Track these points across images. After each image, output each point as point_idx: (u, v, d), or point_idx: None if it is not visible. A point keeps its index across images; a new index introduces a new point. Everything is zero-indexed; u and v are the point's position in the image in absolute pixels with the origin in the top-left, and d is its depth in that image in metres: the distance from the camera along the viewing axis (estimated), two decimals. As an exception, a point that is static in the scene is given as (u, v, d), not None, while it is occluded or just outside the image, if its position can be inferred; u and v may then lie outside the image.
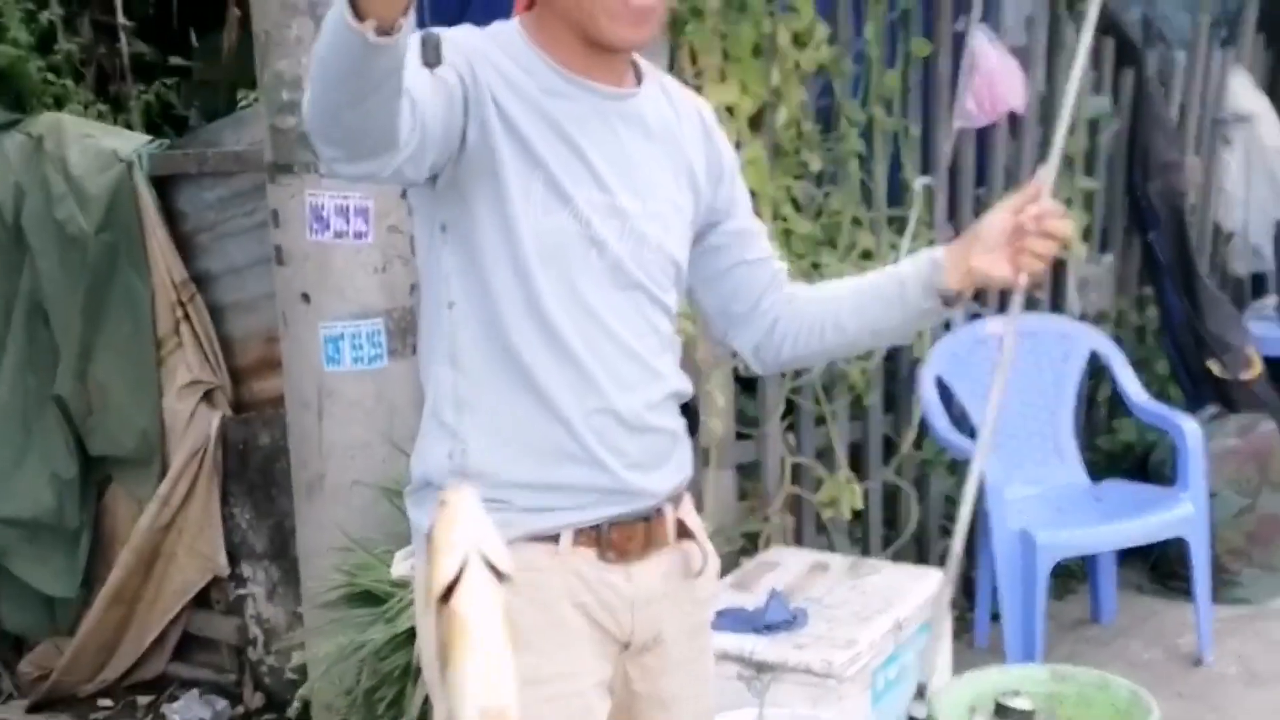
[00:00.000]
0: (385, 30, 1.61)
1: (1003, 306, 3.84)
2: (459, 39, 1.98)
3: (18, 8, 5.51)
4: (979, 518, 4.39)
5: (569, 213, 2.02)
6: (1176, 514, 4.55)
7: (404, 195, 3.33)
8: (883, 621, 3.68)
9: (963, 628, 4.81)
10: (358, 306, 3.79)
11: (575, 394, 2.05)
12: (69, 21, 5.89)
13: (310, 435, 3.90)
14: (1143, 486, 4.92)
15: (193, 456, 4.50)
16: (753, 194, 3.98)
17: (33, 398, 4.71)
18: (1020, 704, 3.10)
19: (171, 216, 4.58)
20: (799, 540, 4.58)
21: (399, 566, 3.21)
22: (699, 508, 3.88)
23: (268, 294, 4.08)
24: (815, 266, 4.37)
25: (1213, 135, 6.11)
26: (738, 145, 4.09)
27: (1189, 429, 4.64)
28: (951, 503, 4.99)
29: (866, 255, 4.51)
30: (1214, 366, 5.45)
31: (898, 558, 4.75)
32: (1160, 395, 5.45)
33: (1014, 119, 5.07)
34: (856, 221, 4.56)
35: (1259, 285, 6.42)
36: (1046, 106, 5.14)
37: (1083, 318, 5.35)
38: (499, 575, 1.49)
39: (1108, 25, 5.48)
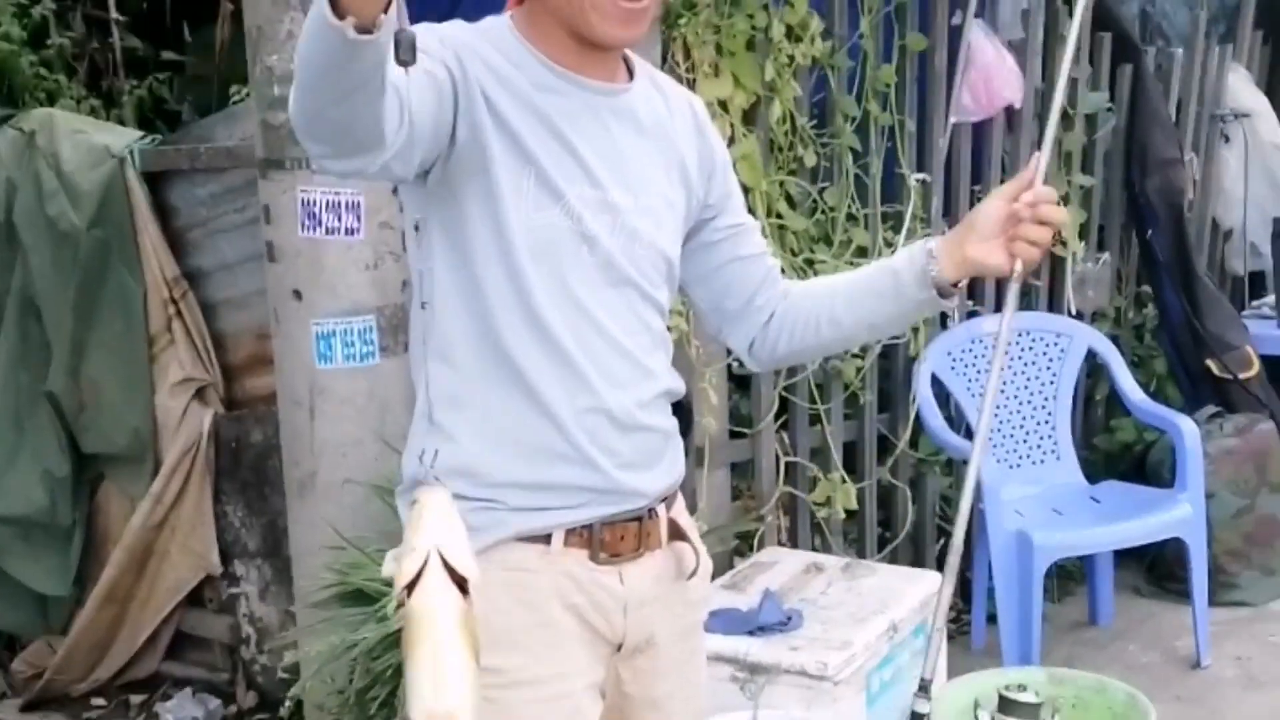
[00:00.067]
0: (365, 28, 1.59)
1: (999, 305, 3.83)
2: (449, 34, 1.97)
3: (9, 3, 5.49)
4: (975, 518, 4.37)
5: (560, 209, 2.01)
6: (1174, 515, 4.53)
7: (395, 191, 3.32)
8: (878, 623, 3.67)
9: (959, 629, 4.79)
10: (349, 303, 3.77)
11: (566, 392, 2.04)
12: (61, 16, 5.88)
13: (302, 433, 3.87)
14: (1140, 487, 4.91)
15: (185, 454, 4.48)
16: (746, 190, 4.00)
17: (24, 395, 4.69)
18: (1025, 698, 3.08)
19: (163, 212, 4.57)
20: (793, 541, 4.56)
21: (390, 565, 3.19)
22: (692, 507, 3.88)
23: (259, 290, 4.06)
24: (810, 263, 4.36)
25: (1211, 132, 6.10)
26: (731, 140, 4.08)
27: (1187, 429, 4.63)
28: (947, 502, 5.00)
29: (861, 251, 4.50)
30: (1212, 365, 5.44)
31: (893, 558, 4.74)
32: (1158, 394, 5.44)
33: (1010, 114, 5.06)
34: (851, 217, 4.54)
35: (1257, 284, 6.40)
36: (1043, 101, 5.12)
37: (1080, 316, 5.33)
38: (461, 581, 1.47)
39: (1106, 21, 5.46)
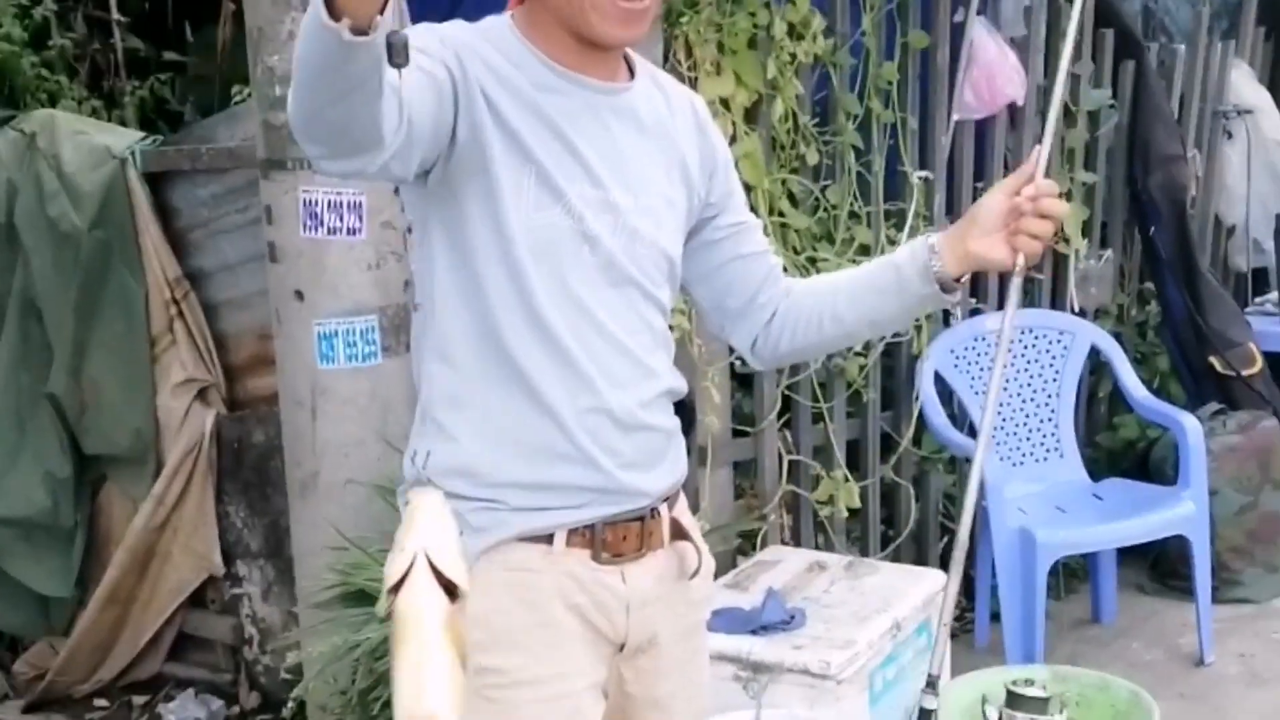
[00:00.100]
0: (361, 29, 1.58)
1: (1002, 303, 3.82)
2: (449, 34, 1.98)
3: (11, 3, 5.48)
4: (978, 516, 4.37)
5: (561, 208, 2.01)
6: (1177, 512, 4.52)
7: (396, 191, 3.32)
8: (881, 622, 3.66)
9: (962, 628, 4.79)
10: (351, 303, 3.76)
11: (568, 392, 2.04)
12: (62, 17, 5.88)
13: (304, 433, 3.87)
14: (1143, 485, 4.90)
15: (187, 455, 4.48)
16: (749, 188, 4.00)
17: (26, 396, 4.68)
18: (1034, 692, 3.07)
19: (165, 213, 4.56)
20: (796, 539, 4.55)
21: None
22: (695, 506, 3.88)
23: (261, 291, 4.06)
24: (812, 261, 4.35)
25: (1214, 128, 6.09)
26: (733, 139, 4.08)
27: (1190, 426, 4.62)
28: (951, 500, 4.99)
29: (864, 250, 4.49)
30: (1215, 362, 5.42)
31: (896, 556, 4.73)
32: (1161, 391, 5.44)
33: (1013, 111, 5.05)
34: (854, 215, 4.53)
35: (1260, 280, 6.39)
36: (1046, 98, 5.11)
37: (1083, 313, 5.32)
38: (449, 586, 1.47)
39: (1108, 18, 5.45)
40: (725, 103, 4.09)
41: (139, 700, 4.73)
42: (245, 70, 3.95)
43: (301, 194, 3.70)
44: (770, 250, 2.37)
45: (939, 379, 4.71)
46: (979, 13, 4.76)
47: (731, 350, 3.61)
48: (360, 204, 3.72)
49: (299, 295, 3.77)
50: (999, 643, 4.44)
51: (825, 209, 4.48)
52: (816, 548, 4.53)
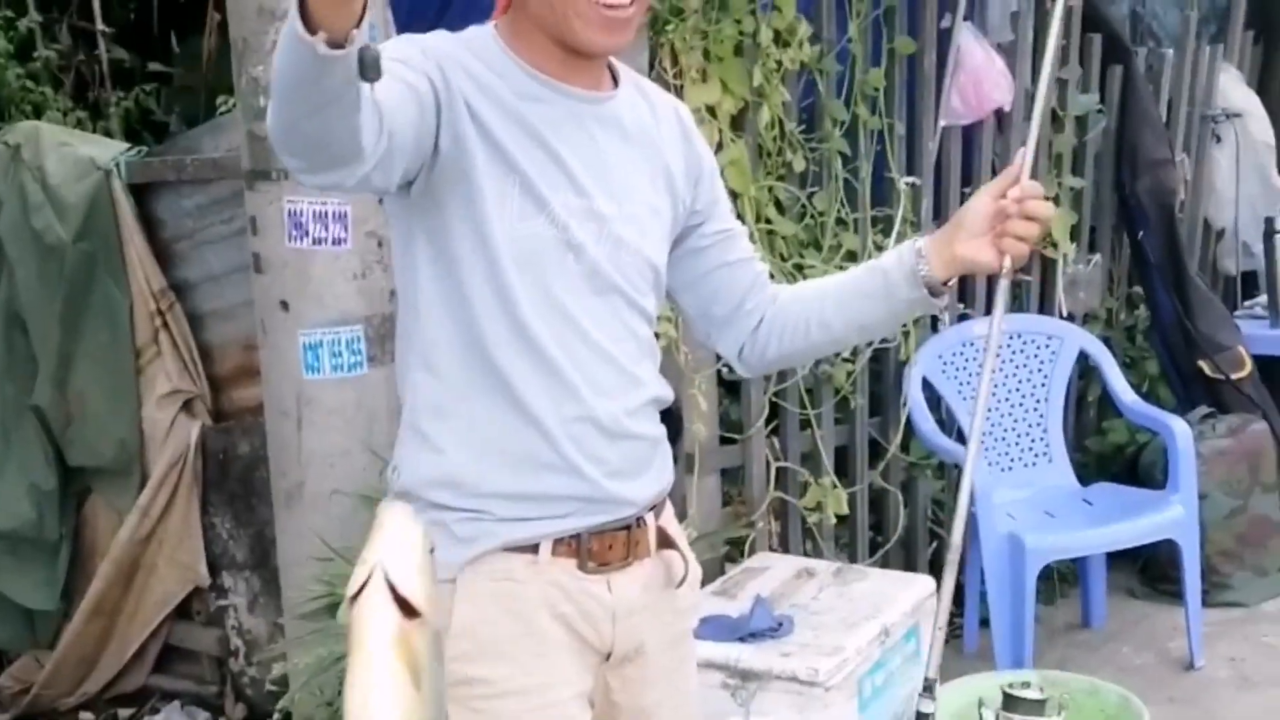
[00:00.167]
0: (337, 43, 1.57)
1: (989, 308, 3.82)
2: (431, 45, 1.97)
3: (-5, 15, 5.49)
4: (967, 521, 4.35)
5: (546, 217, 2.01)
6: (1166, 516, 4.52)
7: (381, 201, 3.31)
8: (869, 628, 3.65)
9: (951, 633, 4.76)
10: (337, 313, 3.76)
11: (553, 401, 2.03)
12: (47, 28, 5.87)
13: (289, 443, 3.86)
14: (1132, 489, 4.90)
15: (172, 466, 4.47)
16: (735, 195, 4.00)
17: (11, 408, 4.66)
18: (1030, 694, 3.07)
19: (150, 224, 4.55)
20: (784, 546, 4.54)
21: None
22: (683, 514, 3.88)
23: (246, 302, 4.05)
24: (799, 268, 4.35)
25: (1202, 132, 6.09)
26: (720, 146, 4.07)
27: (1179, 430, 4.62)
28: (939, 506, 4.99)
29: (851, 256, 4.48)
30: (1205, 366, 5.42)
31: (884, 563, 4.72)
32: (1150, 395, 5.44)
33: (1000, 116, 5.05)
34: (841, 222, 4.53)
35: (1250, 284, 6.40)
36: (1033, 104, 5.10)
37: (1071, 318, 5.33)
38: (405, 603, 1.46)
39: (1096, 22, 5.45)
40: (711, 110, 4.08)
41: (125, 713, 4.71)
42: (230, 81, 3.94)
43: (286, 204, 3.70)
44: (756, 257, 2.37)
45: (927, 385, 4.71)
46: (965, 18, 4.76)
47: (718, 357, 3.61)
48: (345, 214, 3.71)
49: (284, 306, 3.76)
50: (988, 648, 4.44)
51: (812, 216, 4.47)
52: (805, 554, 4.52)
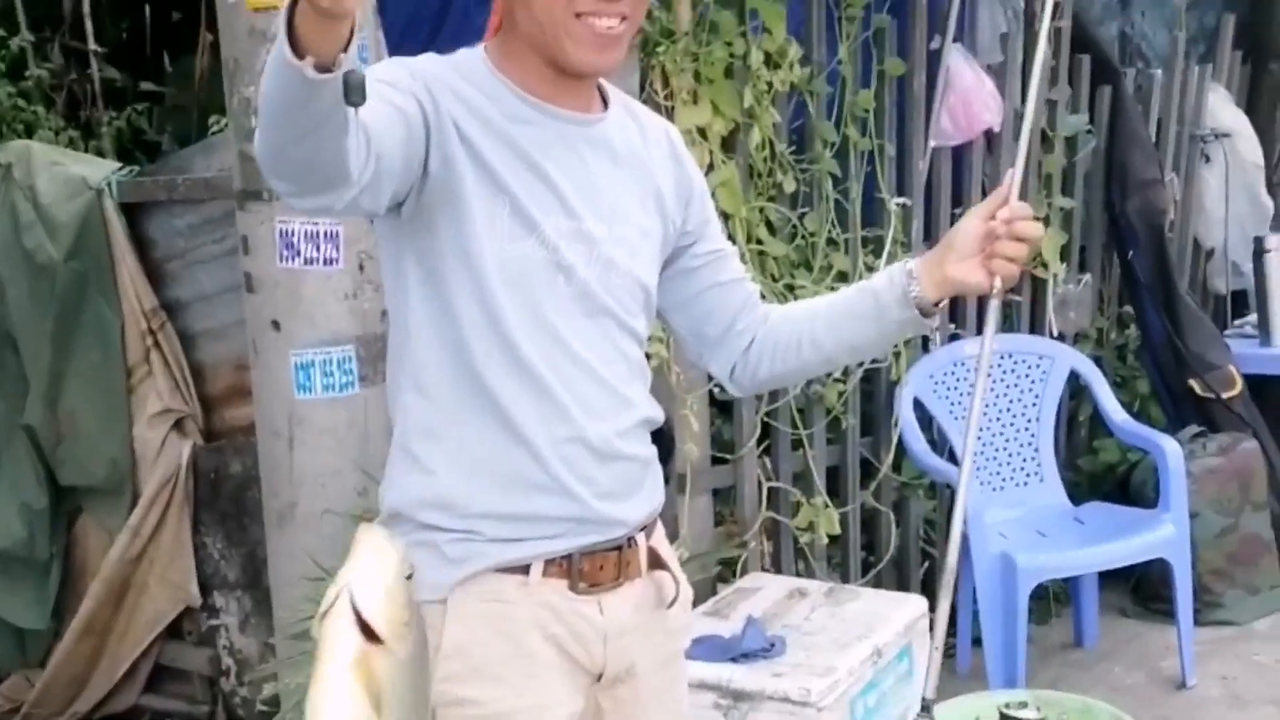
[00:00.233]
0: (324, 66, 1.58)
1: (980, 328, 3.82)
2: (420, 67, 1.98)
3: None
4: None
5: (536, 239, 2.01)
6: (1158, 535, 4.52)
7: (372, 223, 3.31)
8: (862, 648, 3.64)
9: (943, 652, 4.76)
10: (328, 333, 3.75)
11: (544, 423, 2.03)
12: (39, 47, 5.87)
13: (281, 463, 3.85)
14: (1124, 508, 4.90)
15: (164, 486, 4.46)
16: (726, 216, 4.00)
17: (2, 427, 4.67)
18: (1027, 714, 3.06)
19: (141, 244, 4.54)
20: (776, 566, 4.54)
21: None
22: (674, 534, 3.87)
23: (238, 321, 4.04)
24: (790, 288, 4.35)
25: (1191, 152, 6.11)
26: (710, 167, 4.08)
27: (1170, 449, 4.62)
28: (931, 526, 4.99)
29: (842, 277, 4.49)
30: (1195, 385, 5.43)
31: (877, 583, 4.72)
32: (1141, 415, 5.44)
33: (990, 137, 5.06)
34: (832, 243, 4.53)
35: (1240, 303, 6.41)
36: (1022, 124, 5.11)
37: (1062, 337, 5.33)
38: (369, 630, 1.47)
39: (1085, 43, 5.47)
40: (702, 131, 4.09)
41: (116, 732, 4.71)
42: (222, 101, 3.94)
43: (278, 224, 3.69)
44: (748, 277, 2.37)
45: (918, 405, 4.71)
46: (955, 40, 4.78)
47: (710, 377, 3.60)
48: (337, 234, 3.70)
49: (276, 325, 3.75)
50: (981, 667, 4.44)
51: (803, 236, 4.48)
52: (797, 574, 4.51)
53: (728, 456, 4.42)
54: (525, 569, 2.06)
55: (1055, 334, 5.31)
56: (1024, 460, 4.94)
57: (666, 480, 2.28)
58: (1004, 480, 4.90)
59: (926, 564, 4.97)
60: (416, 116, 1.89)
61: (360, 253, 3.74)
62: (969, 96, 4.78)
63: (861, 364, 4.57)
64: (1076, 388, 5.30)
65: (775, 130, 4.34)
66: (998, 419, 4.92)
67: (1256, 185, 6.29)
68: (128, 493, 4.53)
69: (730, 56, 4.16)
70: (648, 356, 2.23)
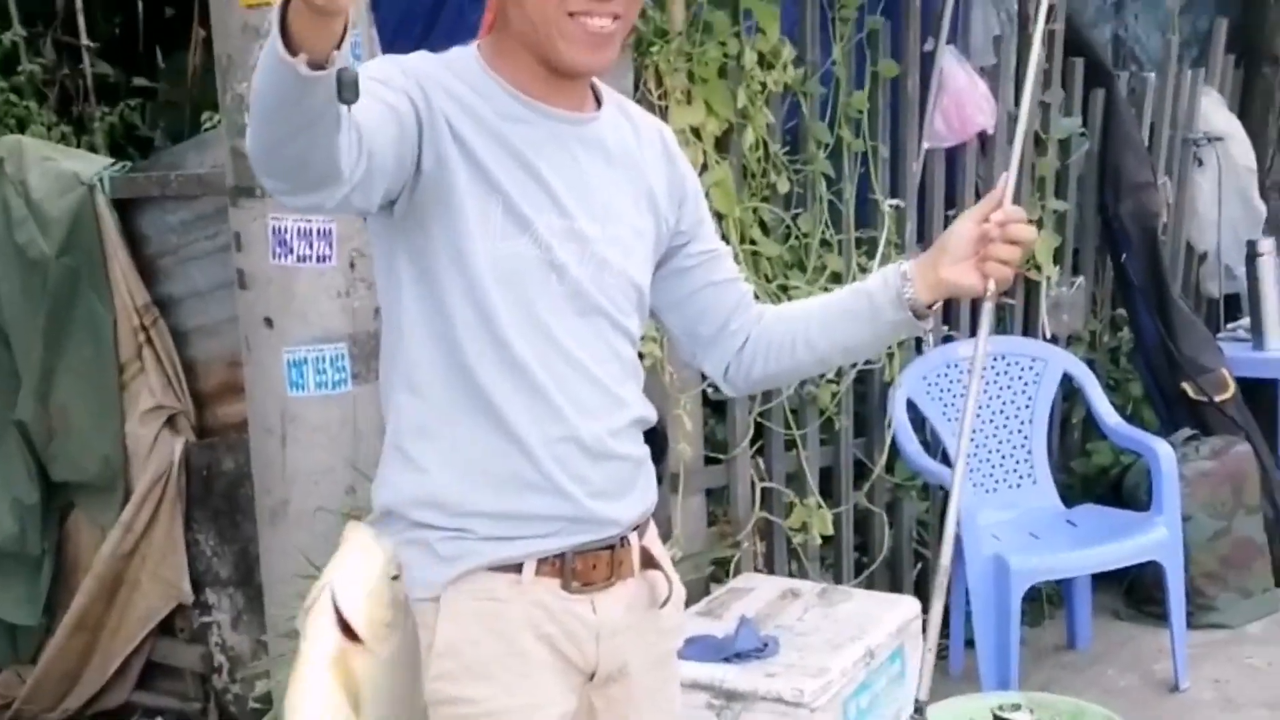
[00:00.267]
0: (317, 64, 1.58)
1: (974, 330, 3.83)
2: (412, 66, 1.98)
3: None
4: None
5: (529, 238, 2.01)
6: (1151, 538, 4.53)
7: (365, 220, 3.31)
8: (855, 649, 3.64)
9: (936, 654, 4.76)
10: (321, 331, 3.74)
11: (537, 422, 2.03)
12: (31, 42, 5.85)
13: (274, 461, 3.85)
14: (1117, 511, 4.90)
15: (156, 482, 4.45)
16: (720, 216, 4.00)
17: (-8, 423, 4.65)
18: (1020, 716, 3.06)
19: (134, 240, 4.54)
20: (769, 566, 4.54)
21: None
22: (668, 534, 3.87)
23: (230, 318, 4.04)
24: (784, 289, 4.35)
25: (1184, 156, 6.11)
26: (704, 168, 4.07)
27: (1162, 452, 4.63)
28: (924, 527, 4.99)
29: (836, 277, 4.49)
30: (1188, 388, 5.43)
31: (870, 583, 4.72)
32: (1134, 418, 5.45)
33: (983, 139, 5.06)
34: (825, 243, 4.54)
35: (1233, 306, 6.41)
36: (1016, 127, 5.11)
37: (1055, 340, 5.33)
38: (349, 629, 1.47)
39: (1078, 47, 5.47)
40: (696, 131, 4.09)
41: (107, 729, 4.70)
42: (215, 97, 3.94)
43: (271, 221, 3.69)
44: (741, 277, 2.37)
45: (912, 406, 4.71)
46: (948, 42, 4.78)
47: (704, 377, 3.61)
48: (330, 231, 3.70)
49: (268, 322, 3.75)
50: (973, 669, 4.44)
51: (796, 237, 4.48)
52: (790, 575, 4.52)
53: (721, 456, 4.42)
54: (518, 568, 2.06)
55: (1048, 336, 5.31)
56: (1017, 462, 4.94)
57: (659, 480, 2.28)
58: (997, 482, 4.90)
59: (919, 565, 4.97)
60: (409, 114, 1.89)
61: (353, 250, 3.73)
62: (962, 98, 4.78)
63: (855, 365, 4.57)
64: (1069, 390, 5.31)
65: (769, 131, 4.34)
66: (991, 421, 4.92)
67: (1249, 189, 6.30)
68: (120, 489, 4.51)
69: (724, 57, 4.16)
70: (641, 356, 2.23)
